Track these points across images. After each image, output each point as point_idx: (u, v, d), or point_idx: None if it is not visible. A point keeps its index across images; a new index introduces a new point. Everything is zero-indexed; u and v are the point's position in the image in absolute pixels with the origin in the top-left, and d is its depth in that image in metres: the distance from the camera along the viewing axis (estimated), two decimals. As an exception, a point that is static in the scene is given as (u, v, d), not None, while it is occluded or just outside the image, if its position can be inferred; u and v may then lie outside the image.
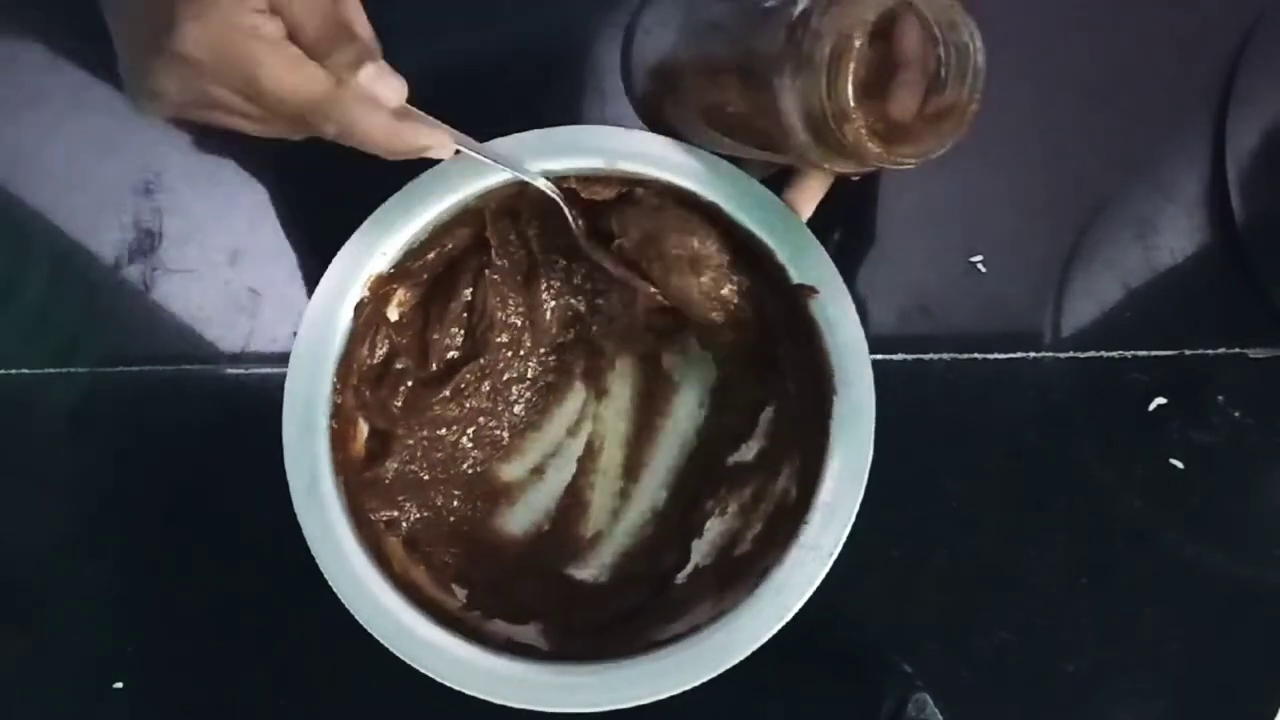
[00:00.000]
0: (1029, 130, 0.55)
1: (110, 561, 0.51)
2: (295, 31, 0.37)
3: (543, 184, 0.45)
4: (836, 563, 0.51)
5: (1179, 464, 0.52)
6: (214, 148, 0.54)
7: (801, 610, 0.49)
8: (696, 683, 0.42)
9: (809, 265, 0.45)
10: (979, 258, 0.54)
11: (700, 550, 0.49)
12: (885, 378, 0.52)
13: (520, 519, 0.51)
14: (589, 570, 0.51)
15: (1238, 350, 0.53)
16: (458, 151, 0.42)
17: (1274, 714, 0.50)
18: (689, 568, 0.49)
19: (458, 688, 0.42)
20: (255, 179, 0.54)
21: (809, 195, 0.45)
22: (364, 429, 0.49)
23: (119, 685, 0.50)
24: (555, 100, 0.54)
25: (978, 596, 0.51)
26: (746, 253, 0.47)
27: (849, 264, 0.54)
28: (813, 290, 0.45)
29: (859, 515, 0.51)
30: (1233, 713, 0.51)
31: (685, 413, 0.52)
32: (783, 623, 0.43)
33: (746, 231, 0.46)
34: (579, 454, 0.52)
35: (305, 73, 0.37)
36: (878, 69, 0.38)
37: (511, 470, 0.52)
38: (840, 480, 0.44)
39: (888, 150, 0.38)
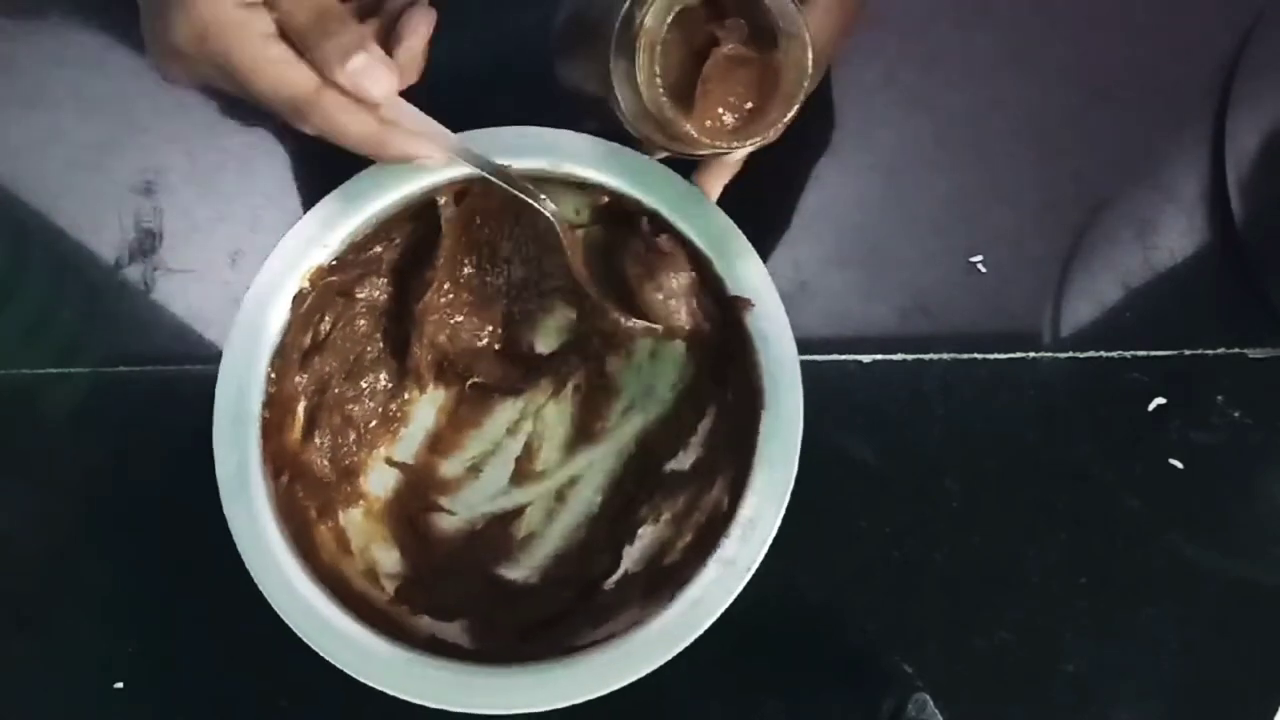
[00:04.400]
0: (1029, 130, 0.55)
1: (110, 561, 0.51)
2: (284, 21, 0.36)
3: (547, 208, 0.45)
4: (837, 563, 0.51)
5: (1179, 464, 0.52)
6: (215, 147, 0.54)
7: (802, 610, 0.49)
8: (607, 690, 0.42)
9: (744, 276, 0.45)
10: (979, 258, 0.54)
11: (631, 557, 0.49)
12: (885, 377, 0.53)
13: (456, 518, 0.51)
14: (519, 571, 0.50)
15: (1238, 350, 0.53)
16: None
17: (1274, 714, 0.50)
18: (618, 574, 0.49)
19: (374, 685, 0.42)
20: (256, 179, 0.54)
21: (715, 177, 0.45)
22: (301, 417, 0.48)
23: (119, 685, 0.50)
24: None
25: (978, 596, 0.51)
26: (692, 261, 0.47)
27: (849, 264, 0.54)
28: (748, 303, 0.45)
29: (859, 514, 0.51)
30: (1232, 713, 0.51)
31: (628, 418, 0.52)
32: (695, 636, 0.42)
33: (686, 239, 0.46)
34: (517, 454, 0.52)
35: (284, 74, 0.36)
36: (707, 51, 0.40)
37: (449, 466, 0.52)
38: (763, 497, 0.44)
39: (708, 135, 0.40)
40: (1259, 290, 0.53)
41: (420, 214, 0.47)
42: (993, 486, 0.52)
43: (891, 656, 0.50)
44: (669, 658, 0.42)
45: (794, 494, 0.44)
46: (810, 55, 0.38)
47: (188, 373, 0.52)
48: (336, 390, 0.50)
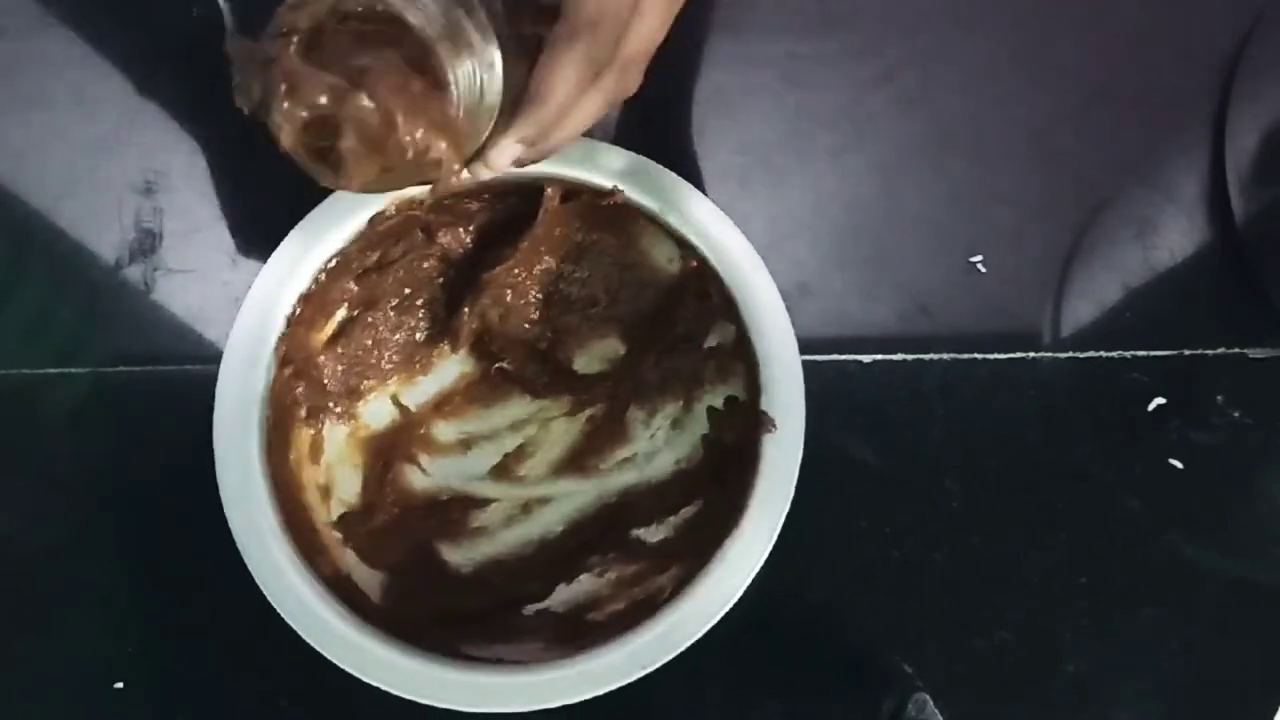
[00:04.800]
0: (1029, 130, 0.55)
1: (110, 561, 0.51)
2: None
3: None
4: (837, 563, 0.51)
5: (1179, 464, 0.52)
6: (215, 148, 0.54)
7: (802, 610, 0.49)
8: (473, 709, 0.43)
9: (782, 398, 0.45)
10: (979, 258, 0.54)
11: (560, 596, 0.49)
12: (885, 377, 0.53)
13: (428, 479, 0.52)
14: (456, 556, 0.51)
15: (1238, 350, 0.53)
16: None
17: (1274, 714, 0.50)
18: (541, 605, 0.49)
19: (274, 603, 0.43)
20: (256, 179, 0.54)
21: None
22: (335, 323, 0.50)
23: (119, 685, 0.50)
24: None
25: (978, 596, 0.51)
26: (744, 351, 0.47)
27: (849, 264, 0.54)
28: (771, 425, 0.45)
29: (860, 514, 0.51)
30: (1232, 713, 0.51)
31: (623, 469, 0.52)
32: (566, 701, 0.43)
33: (749, 338, 0.46)
34: (508, 450, 0.52)
35: None
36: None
37: (443, 430, 0.52)
38: (693, 610, 0.44)
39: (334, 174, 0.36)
40: (1259, 290, 0.53)
41: (527, 194, 0.48)
42: (993, 486, 0.52)
43: (891, 656, 0.50)
44: (535, 708, 0.43)
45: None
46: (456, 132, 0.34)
47: (188, 373, 0.52)
48: (379, 314, 0.51)
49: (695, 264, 0.48)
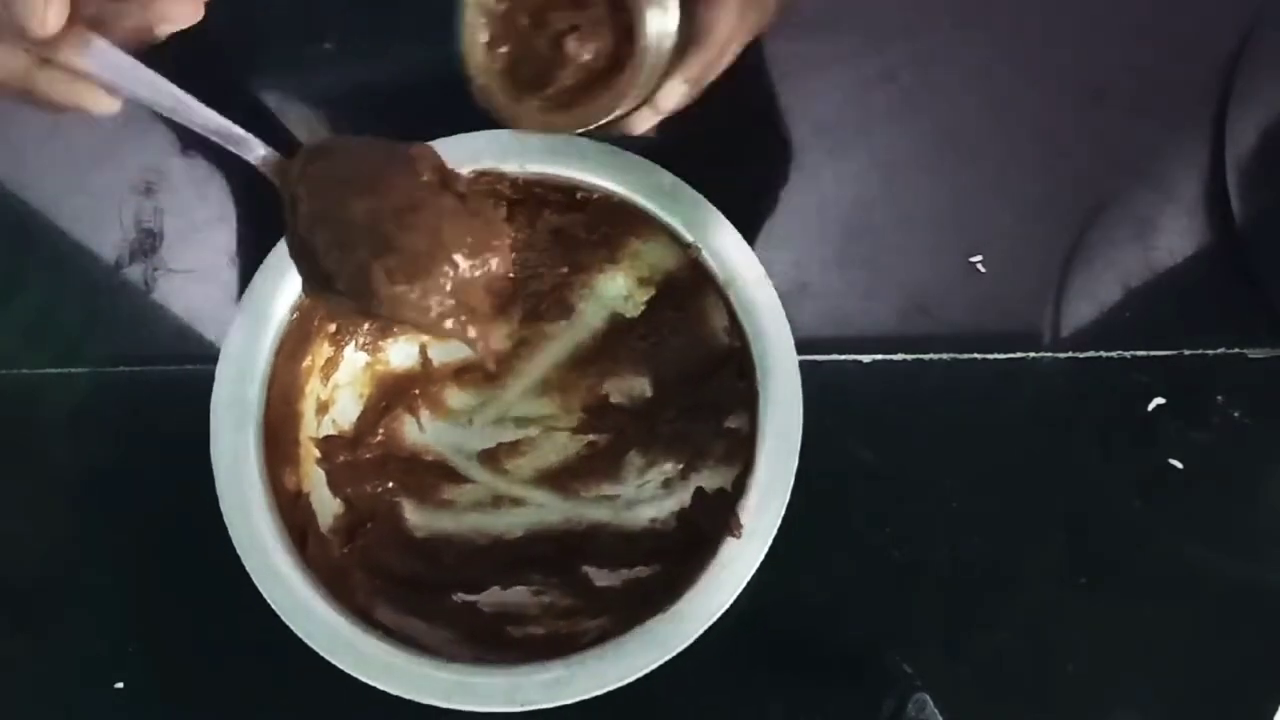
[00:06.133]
0: (1029, 130, 0.55)
1: (110, 561, 0.51)
2: None
3: (255, 155, 0.39)
4: (837, 563, 0.51)
5: (1178, 464, 0.52)
6: (215, 148, 0.54)
7: (802, 610, 0.49)
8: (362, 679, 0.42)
9: (762, 510, 0.44)
10: (979, 258, 0.54)
11: (490, 596, 0.49)
12: (885, 377, 0.53)
13: (421, 435, 0.52)
14: (416, 517, 0.51)
15: (1237, 350, 0.53)
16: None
17: (1274, 714, 0.50)
18: (470, 598, 0.49)
19: (227, 518, 0.43)
20: (256, 179, 0.54)
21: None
22: None
23: (119, 685, 0.49)
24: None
25: (978, 596, 0.51)
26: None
27: (849, 264, 0.54)
28: (738, 530, 0.44)
29: (859, 514, 0.51)
30: (1233, 713, 0.51)
31: (601, 504, 0.52)
32: (441, 703, 0.42)
33: (755, 437, 0.45)
34: (504, 440, 0.52)
35: None
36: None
37: (455, 396, 0.53)
38: (593, 669, 0.43)
39: (543, 119, 0.39)
40: (1259, 290, 0.53)
41: (604, 211, 0.49)
42: (993, 486, 0.52)
43: (891, 656, 0.50)
44: (408, 696, 0.42)
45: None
46: (641, 75, 0.37)
47: (188, 373, 0.52)
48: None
49: (739, 345, 0.48)
